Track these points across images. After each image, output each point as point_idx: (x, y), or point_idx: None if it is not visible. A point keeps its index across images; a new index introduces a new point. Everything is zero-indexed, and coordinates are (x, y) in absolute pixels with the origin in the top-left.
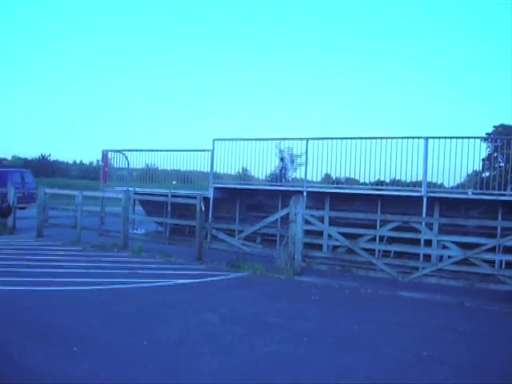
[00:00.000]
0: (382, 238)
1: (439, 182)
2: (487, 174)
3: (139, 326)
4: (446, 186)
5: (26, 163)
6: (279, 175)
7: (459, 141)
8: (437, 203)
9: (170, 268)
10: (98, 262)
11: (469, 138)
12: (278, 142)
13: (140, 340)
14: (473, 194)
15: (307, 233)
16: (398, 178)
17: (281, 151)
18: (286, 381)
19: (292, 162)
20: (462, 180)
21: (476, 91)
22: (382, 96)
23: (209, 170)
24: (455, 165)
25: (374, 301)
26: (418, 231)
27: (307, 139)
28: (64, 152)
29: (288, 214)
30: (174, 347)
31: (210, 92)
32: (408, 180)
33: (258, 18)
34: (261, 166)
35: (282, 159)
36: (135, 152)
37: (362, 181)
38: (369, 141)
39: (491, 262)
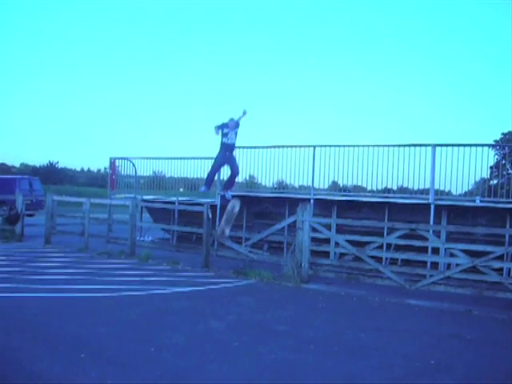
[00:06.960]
0: (389, 246)
1: (447, 190)
2: (495, 181)
3: (146, 332)
4: (454, 193)
5: (34, 170)
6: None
7: (467, 148)
8: (444, 211)
9: (176, 275)
10: (105, 269)
11: (476, 145)
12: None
13: (147, 347)
14: (480, 201)
15: (314, 240)
16: (405, 185)
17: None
18: None
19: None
20: (470, 187)
21: (484, 98)
22: (390, 103)
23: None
24: (463, 172)
25: (381, 309)
26: (425, 239)
27: (314, 146)
28: (72, 159)
29: (295, 222)
30: (181, 354)
31: (216, 100)
32: (415, 187)
33: (266, 26)
34: (268, 174)
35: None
36: (143, 159)
37: (369, 188)
38: (376, 148)
39: (499, 270)
